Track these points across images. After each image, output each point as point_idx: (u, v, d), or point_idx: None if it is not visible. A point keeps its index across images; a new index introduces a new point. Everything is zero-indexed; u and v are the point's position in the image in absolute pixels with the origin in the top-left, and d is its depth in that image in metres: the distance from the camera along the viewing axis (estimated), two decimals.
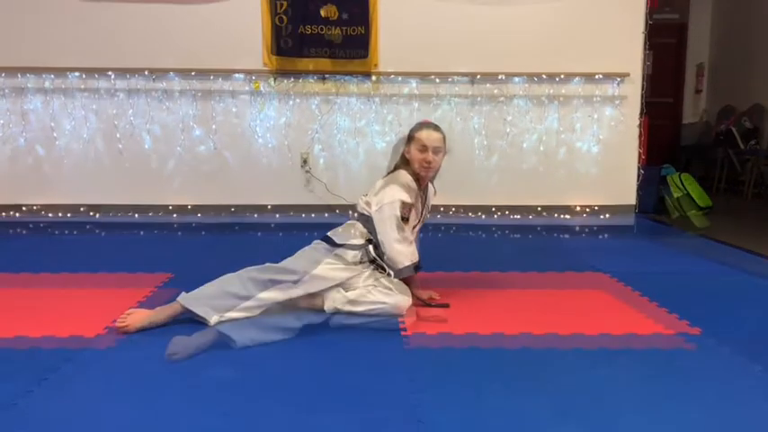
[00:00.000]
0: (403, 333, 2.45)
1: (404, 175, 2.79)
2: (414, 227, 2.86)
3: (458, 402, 1.85)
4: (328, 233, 2.80)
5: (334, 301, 2.67)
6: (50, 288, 3.06)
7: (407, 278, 2.76)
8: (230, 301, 2.52)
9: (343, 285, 2.68)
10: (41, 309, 2.72)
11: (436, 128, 2.85)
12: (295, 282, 2.61)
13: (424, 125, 2.86)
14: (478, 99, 5.42)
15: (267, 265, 2.64)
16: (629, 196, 5.58)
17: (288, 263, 2.66)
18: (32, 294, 2.95)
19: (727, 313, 2.76)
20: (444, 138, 2.85)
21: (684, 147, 7.97)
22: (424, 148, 2.77)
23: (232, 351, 2.27)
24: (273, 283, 2.58)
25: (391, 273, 2.73)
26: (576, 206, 5.55)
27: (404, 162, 2.86)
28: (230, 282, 2.57)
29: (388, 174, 2.87)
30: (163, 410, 1.80)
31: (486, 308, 2.79)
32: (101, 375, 2.05)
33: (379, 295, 2.64)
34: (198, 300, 2.51)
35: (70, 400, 1.85)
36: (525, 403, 1.85)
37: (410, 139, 2.84)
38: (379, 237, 2.74)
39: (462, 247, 4.10)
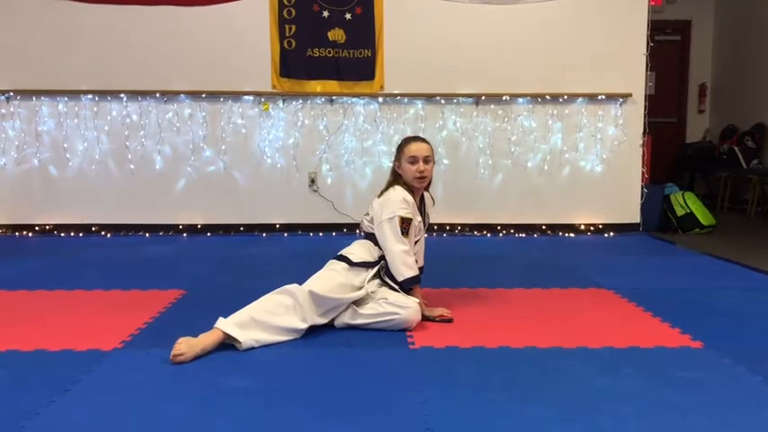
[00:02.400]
0: (411, 347, 2.51)
1: (399, 191, 2.86)
2: (416, 240, 2.93)
3: (466, 412, 1.90)
4: (342, 252, 2.87)
5: (342, 315, 2.72)
6: (66, 305, 3.13)
7: (415, 293, 2.81)
8: (275, 335, 2.53)
9: (355, 302, 2.74)
10: (58, 324, 2.79)
11: (423, 140, 2.94)
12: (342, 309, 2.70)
13: (410, 139, 2.95)
14: (483, 119, 5.52)
15: (308, 291, 2.60)
16: (633, 215, 5.63)
17: (328, 292, 2.64)
18: (49, 311, 3.02)
19: (729, 327, 2.80)
20: (432, 148, 2.94)
21: (688, 166, 8.02)
22: (414, 160, 2.85)
23: (244, 361, 2.33)
24: (321, 316, 2.64)
25: (395, 286, 2.79)
26: (580, 224, 5.61)
27: (396, 177, 2.94)
28: (278, 315, 2.55)
29: (383, 192, 2.94)
30: (181, 418, 1.86)
31: (492, 322, 2.85)
32: (120, 386, 2.11)
33: (390, 308, 2.69)
34: (245, 331, 2.46)
35: (92, 410, 1.92)
36: (531, 411, 1.90)
37: (399, 154, 2.92)
38: (383, 251, 2.82)
39: (468, 265, 4.15)
